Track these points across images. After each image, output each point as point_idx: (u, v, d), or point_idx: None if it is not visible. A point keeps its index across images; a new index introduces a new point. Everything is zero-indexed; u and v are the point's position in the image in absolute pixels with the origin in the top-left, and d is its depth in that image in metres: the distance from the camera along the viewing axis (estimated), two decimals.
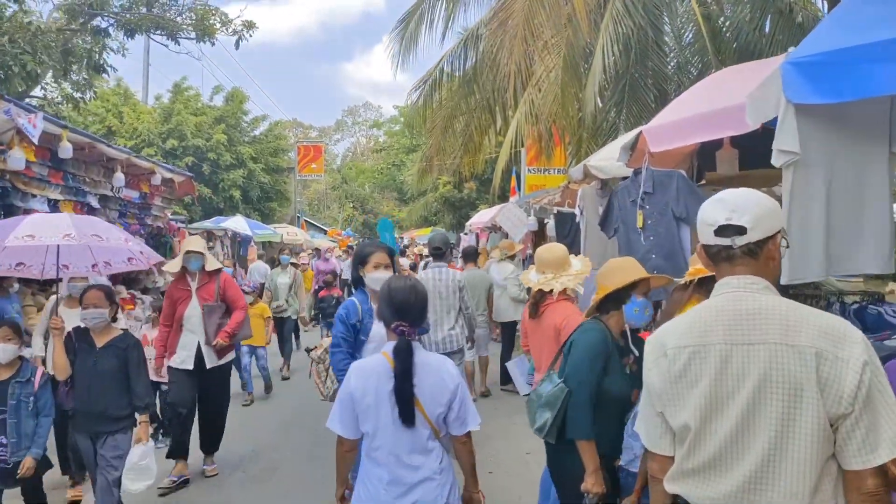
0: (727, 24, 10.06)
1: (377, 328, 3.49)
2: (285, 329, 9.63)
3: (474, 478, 2.67)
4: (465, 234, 17.74)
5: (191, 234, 15.57)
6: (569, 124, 9.63)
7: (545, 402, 2.87)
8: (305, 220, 28.02)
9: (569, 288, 3.69)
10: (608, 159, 5.68)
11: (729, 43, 9.58)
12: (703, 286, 2.75)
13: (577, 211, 5.89)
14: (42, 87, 11.98)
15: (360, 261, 3.83)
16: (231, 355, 5.60)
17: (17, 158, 6.60)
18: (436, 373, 2.51)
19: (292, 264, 10.37)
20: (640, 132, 3.95)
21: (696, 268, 2.89)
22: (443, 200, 25.14)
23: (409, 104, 12.43)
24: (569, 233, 7.22)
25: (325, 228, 36.78)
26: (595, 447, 2.77)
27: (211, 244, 16.23)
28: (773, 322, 1.61)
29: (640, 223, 3.90)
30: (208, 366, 5.31)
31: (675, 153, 4.80)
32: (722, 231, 1.68)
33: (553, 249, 3.80)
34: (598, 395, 2.81)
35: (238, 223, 17.59)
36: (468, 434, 2.57)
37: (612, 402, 2.81)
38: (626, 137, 4.79)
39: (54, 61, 9.89)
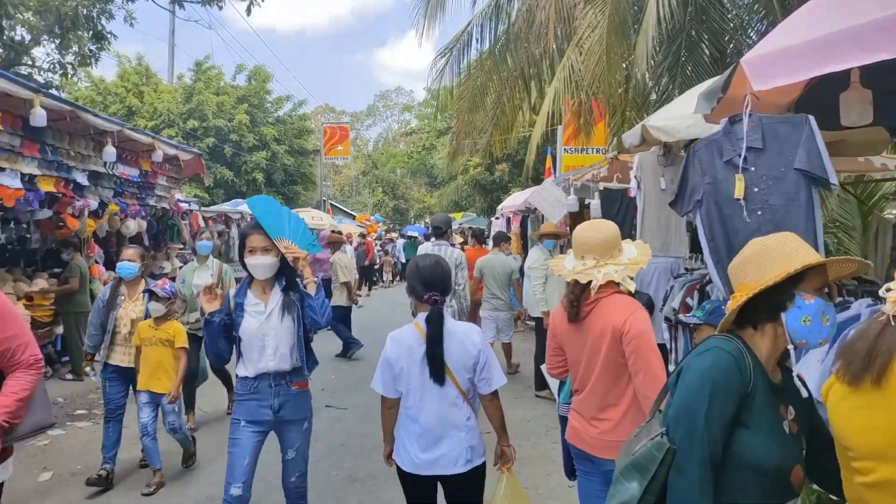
0: None
1: (248, 323, 3.22)
2: (198, 354, 5.90)
3: (504, 432, 2.96)
4: (497, 217, 16.65)
5: (205, 217, 14.73)
6: (613, 94, 8.44)
7: (633, 462, 1.75)
8: (331, 205, 27.22)
9: (615, 281, 2.64)
10: (673, 118, 4.54)
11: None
12: None
13: (633, 184, 4.71)
14: (30, 58, 11.13)
15: (240, 243, 3.29)
16: (2, 472, 2.63)
17: None
18: (461, 340, 2.79)
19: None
20: (737, 64, 2.79)
21: None
22: (473, 183, 24.00)
23: (435, 74, 11.30)
24: (618, 213, 6.09)
25: (354, 214, 36.05)
26: None
27: (227, 228, 15.36)
28: None
29: (739, 192, 2.73)
30: None
31: (769, 103, 3.65)
32: None
33: (598, 228, 2.78)
34: (726, 460, 1.68)
35: None
36: (494, 392, 2.85)
37: (753, 476, 1.68)
38: (705, 84, 3.64)
39: (47, 25, 8.99)
